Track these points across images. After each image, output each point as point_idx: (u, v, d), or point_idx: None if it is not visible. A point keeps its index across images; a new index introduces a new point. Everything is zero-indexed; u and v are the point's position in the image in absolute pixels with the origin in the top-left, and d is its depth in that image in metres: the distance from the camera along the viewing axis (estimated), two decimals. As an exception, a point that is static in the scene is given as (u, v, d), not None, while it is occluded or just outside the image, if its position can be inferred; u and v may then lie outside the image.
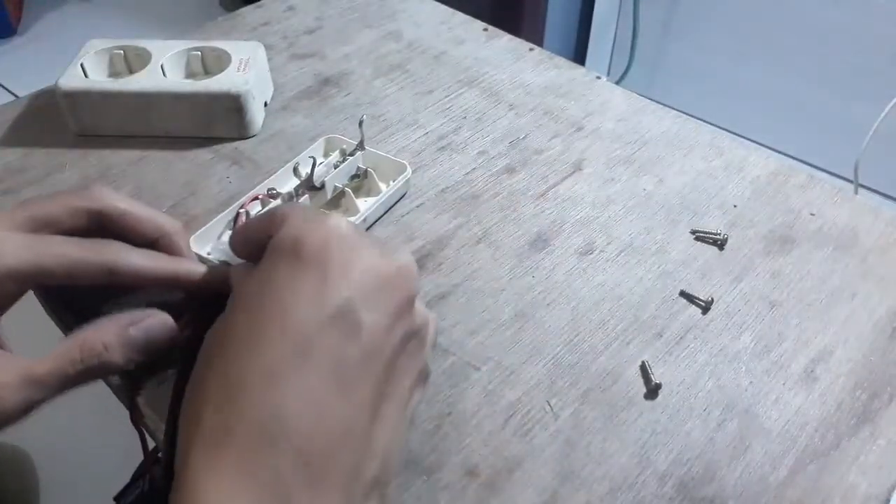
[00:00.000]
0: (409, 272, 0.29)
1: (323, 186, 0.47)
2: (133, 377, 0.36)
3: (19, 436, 0.93)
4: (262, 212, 0.29)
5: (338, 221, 0.28)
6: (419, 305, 0.29)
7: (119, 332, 0.33)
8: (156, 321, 0.34)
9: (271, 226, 0.28)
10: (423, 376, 0.30)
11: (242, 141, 0.53)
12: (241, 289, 0.28)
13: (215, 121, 0.52)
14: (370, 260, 0.28)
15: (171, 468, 0.34)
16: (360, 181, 0.49)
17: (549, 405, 0.38)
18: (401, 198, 0.49)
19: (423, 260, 0.45)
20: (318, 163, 0.47)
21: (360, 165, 0.49)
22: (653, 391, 0.38)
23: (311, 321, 0.26)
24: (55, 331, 0.46)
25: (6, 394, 0.29)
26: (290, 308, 0.26)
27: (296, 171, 0.47)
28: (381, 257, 0.28)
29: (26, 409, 0.30)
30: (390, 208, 0.49)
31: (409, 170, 0.49)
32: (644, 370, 0.39)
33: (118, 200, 0.34)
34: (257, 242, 0.29)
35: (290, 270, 0.27)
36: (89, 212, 0.34)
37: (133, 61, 0.55)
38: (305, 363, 0.25)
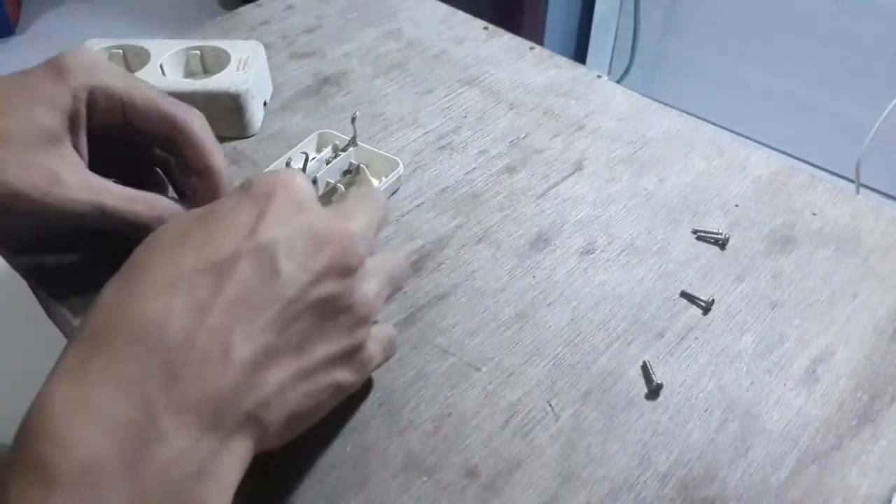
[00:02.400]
0: (350, 240, 0.29)
1: (315, 182, 0.47)
2: None
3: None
4: None
5: (295, 175, 0.29)
6: (365, 286, 0.30)
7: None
8: None
9: None
10: (355, 362, 0.30)
11: (242, 140, 0.53)
12: (204, 207, 0.29)
13: (214, 120, 0.52)
14: (311, 216, 0.28)
15: None
16: (353, 177, 0.49)
17: (550, 406, 0.37)
18: (393, 194, 0.49)
19: (423, 260, 0.45)
20: (310, 158, 0.47)
21: (353, 161, 0.49)
22: (654, 391, 0.38)
23: (232, 247, 0.26)
24: (54, 331, 0.45)
25: (74, 194, 0.35)
26: (219, 229, 0.27)
27: (288, 166, 0.47)
28: (324, 219, 0.28)
29: (83, 215, 0.36)
30: (382, 204, 0.49)
31: (401, 166, 0.49)
32: (645, 370, 0.39)
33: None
34: None
35: (234, 201, 0.28)
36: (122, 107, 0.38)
37: (132, 61, 0.55)
38: (209, 281, 0.25)
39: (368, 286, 0.30)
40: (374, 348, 0.32)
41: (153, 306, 0.24)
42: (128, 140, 0.40)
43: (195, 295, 0.25)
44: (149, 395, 0.23)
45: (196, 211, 0.29)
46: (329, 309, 0.28)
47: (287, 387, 0.27)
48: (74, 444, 0.22)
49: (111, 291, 0.26)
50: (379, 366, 0.35)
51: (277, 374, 0.26)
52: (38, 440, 0.22)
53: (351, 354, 0.30)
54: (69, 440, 0.22)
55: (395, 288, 0.34)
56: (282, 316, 0.26)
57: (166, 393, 0.23)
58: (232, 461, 0.25)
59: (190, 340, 0.24)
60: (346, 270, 0.28)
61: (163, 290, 0.25)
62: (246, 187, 0.29)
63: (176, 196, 0.44)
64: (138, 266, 0.27)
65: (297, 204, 0.28)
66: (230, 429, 0.25)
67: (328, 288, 0.28)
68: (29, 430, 0.22)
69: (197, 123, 0.40)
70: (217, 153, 0.40)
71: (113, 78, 0.38)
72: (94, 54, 0.39)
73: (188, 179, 0.41)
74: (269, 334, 0.26)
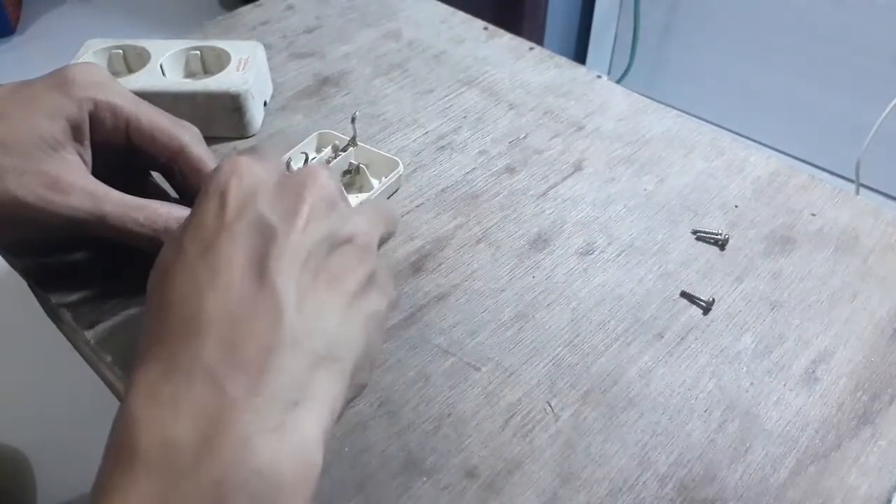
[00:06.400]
0: (311, 175, 0.29)
1: None
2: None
3: (17, 437, 0.93)
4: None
5: (233, 159, 0.29)
6: (352, 215, 0.30)
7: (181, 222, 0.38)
8: None
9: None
10: (379, 282, 0.31)
11: (242, 140, 0.53)
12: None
13: (215, 120, 0.52)
14: (264, 173, 0.29)
15: None
16: (353, 177, 0.49)
17: (550, 406, 0.37)
18: (392, 194, 0.49)
19: (422, 260, 0.45)
20: (310, 158, 0.47)
21: (353, 161, 0.49)
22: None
23: (217, 227, 0.27)
24: (54, 331, 0.45)
25: (74, 200, 0.35)
26: (197, 222, 0.27)
27: (288, 166, 0.47)
28: (277, 171, 0.29)
29: (82, 222, 0.36)
30: (384, 206, 0.49)
31: (400, 166, 0.49)
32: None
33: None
34: None
35: (198, 200, 0.28)
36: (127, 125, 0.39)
37: (132, 61, 0.55)
38: (218, 263, 0.26)
39: (358, 218, 0.30)
40: (386, 271, 0.32)
41: (186, 306, 0.25)
42: (127, 156, 0.40)
43: (210, 284, 0.26)
44: (219, 379, 0.24)
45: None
46: (333, 243, 0.28)
47: (334, 324, 0.27)
48: (151, 426, 0.23)
49: (152, 314, 0.27)
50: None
51: (322, 316, 0.27)
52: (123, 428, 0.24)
53: (379, 279, 0.30)
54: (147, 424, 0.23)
55: (387, 228, 0.34)
56: (295, 264, 0.27)
57: (233, 370, 0.24)
58: (316, 405, 0.26)
59: (230, 317, 0.25)
60: (327, 203, 0.29)
61: (187, 293, 0.26)
62: (204, 191, 0.29)
63: (178, 196, 0.44)
64: (157, 295, 0.27)
65: (248, 169, 0.29)
66: (307, 372, 0.26)
67: (322, 225, 0.28)
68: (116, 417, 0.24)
69: (196, 148, 0.40)
70: None
71: (122, 98, 0.38)
72: (104, 70, 0.39)
73: (189, 190, 0.42)
74: (293, 284, 0.26)
